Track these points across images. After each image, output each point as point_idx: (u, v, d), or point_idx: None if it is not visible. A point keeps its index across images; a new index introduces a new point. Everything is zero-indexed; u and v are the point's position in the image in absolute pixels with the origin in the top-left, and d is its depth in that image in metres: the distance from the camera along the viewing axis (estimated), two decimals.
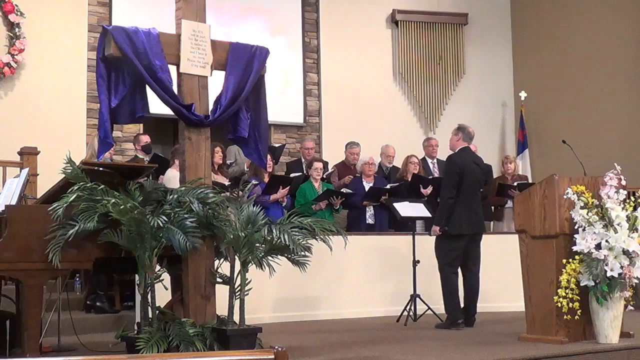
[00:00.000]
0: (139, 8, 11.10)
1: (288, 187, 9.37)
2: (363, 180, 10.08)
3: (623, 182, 6.54)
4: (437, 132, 12.78)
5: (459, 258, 7.85)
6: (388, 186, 9.97)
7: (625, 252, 6.23)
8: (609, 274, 6.18)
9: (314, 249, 5.74)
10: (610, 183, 6.44)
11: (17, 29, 10.29)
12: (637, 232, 6.35)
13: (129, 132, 10.82)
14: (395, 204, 8.62)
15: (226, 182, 8.57)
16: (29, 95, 10.39)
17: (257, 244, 5.63)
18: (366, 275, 9.03)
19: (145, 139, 9.57)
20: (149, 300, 5.49)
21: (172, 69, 5.83)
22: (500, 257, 8.76)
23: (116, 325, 7.20)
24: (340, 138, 11.29)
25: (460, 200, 7.78)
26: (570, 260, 6.32)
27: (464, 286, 7.89)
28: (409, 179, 10.03)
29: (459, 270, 7.91)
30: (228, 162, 9.70)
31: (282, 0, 12.46)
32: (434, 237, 7.95)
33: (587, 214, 6.31)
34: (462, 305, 7.82)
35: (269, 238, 5.58)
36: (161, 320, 5.52)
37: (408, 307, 8.18)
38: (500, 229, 10.63)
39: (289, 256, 5.75)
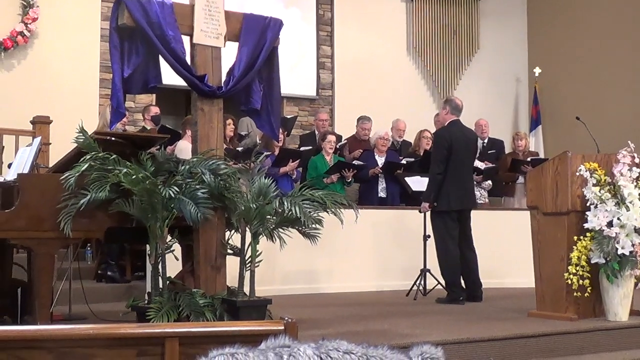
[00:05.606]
0: None
1: (298, 160, 9.35)
2: (375, 154, 10.01)
3: (636, 160, 6.49)
4: None
5: (456, 232, 7.83)
6: (404, 161, 9.93)
7: (637, 230, 6.21)
8: (620, 251, 6.16)
9: (324, 222, 5.74)
10: (623, 161, 6.40)
11: None
12: None
13: (142, 103, 10.80)
14: (406, 178, 8.60)
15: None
16: (42, 65, 10.39)
17: (268, 216, 5.64)
18: (376, 249, 9.03)
19: (155, 110, 9.53)
20: (160, 270, 5.52)
21: (186, 39, 5.80)
22: (510, 233, 8.74)
23: (127, 295, 7.23)
24: (353, 112, 11.22)
25: (449, 175, 7.73)
26: (582, 237, 6.30)
27: (463, 263, 7.86)
28: (421, 154, 10.00)
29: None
30: (242, 133, 9.69)
31: None
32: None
33: (599, 192, 6.28)
34: (462, 283, 7.83)
35: (280, 210, 5.58)
36: (172, 290, 5.54)
37: (418, 281, 8.19)
38: (511, 205, 10.59)
39: (300, 228, 5.76)
